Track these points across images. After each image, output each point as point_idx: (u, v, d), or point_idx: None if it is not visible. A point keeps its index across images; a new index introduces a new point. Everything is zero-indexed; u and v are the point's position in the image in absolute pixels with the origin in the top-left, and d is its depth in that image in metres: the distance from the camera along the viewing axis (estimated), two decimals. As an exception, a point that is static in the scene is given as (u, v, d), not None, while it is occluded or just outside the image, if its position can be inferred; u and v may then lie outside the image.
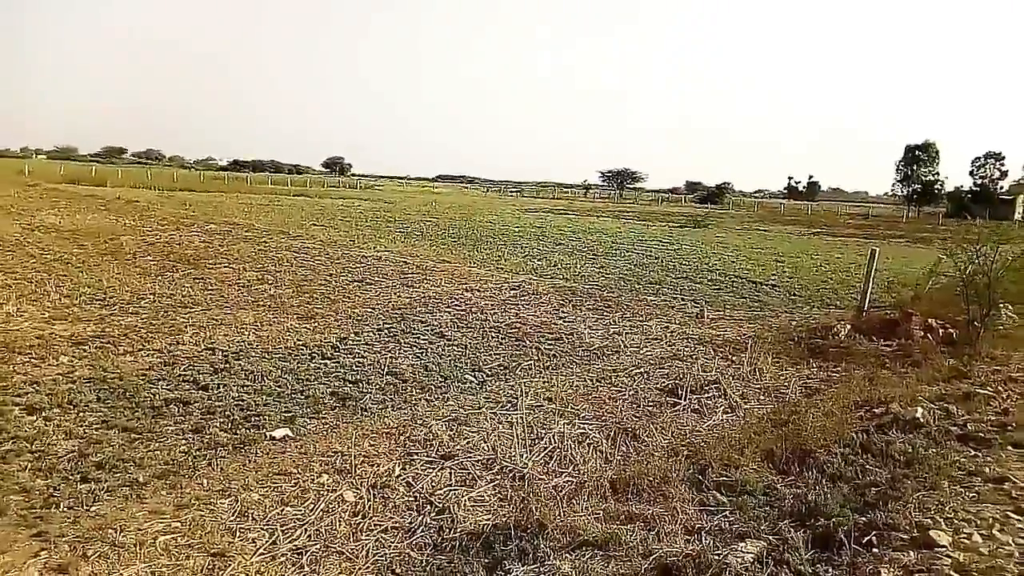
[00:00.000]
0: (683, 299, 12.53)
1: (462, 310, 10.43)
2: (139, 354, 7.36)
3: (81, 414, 5.61)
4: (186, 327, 8.51)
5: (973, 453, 4.79)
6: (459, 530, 4.14)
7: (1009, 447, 4.81)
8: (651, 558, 3.70)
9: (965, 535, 3.51)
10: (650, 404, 6.61)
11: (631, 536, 3.94)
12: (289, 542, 3.89)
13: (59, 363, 6.90)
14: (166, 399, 6.00)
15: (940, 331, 9.09)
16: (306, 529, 4.03)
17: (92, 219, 20.51)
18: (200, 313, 9.33)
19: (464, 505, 4.44)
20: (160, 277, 11.75)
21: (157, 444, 5.12)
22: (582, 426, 5.85)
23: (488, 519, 4.30)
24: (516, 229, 26.77)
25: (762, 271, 17.36)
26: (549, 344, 8.74)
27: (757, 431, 5.68)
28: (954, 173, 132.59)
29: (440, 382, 6.99)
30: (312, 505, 4.29)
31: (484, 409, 6.12)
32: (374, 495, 4.49)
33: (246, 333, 8.40)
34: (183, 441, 5.20)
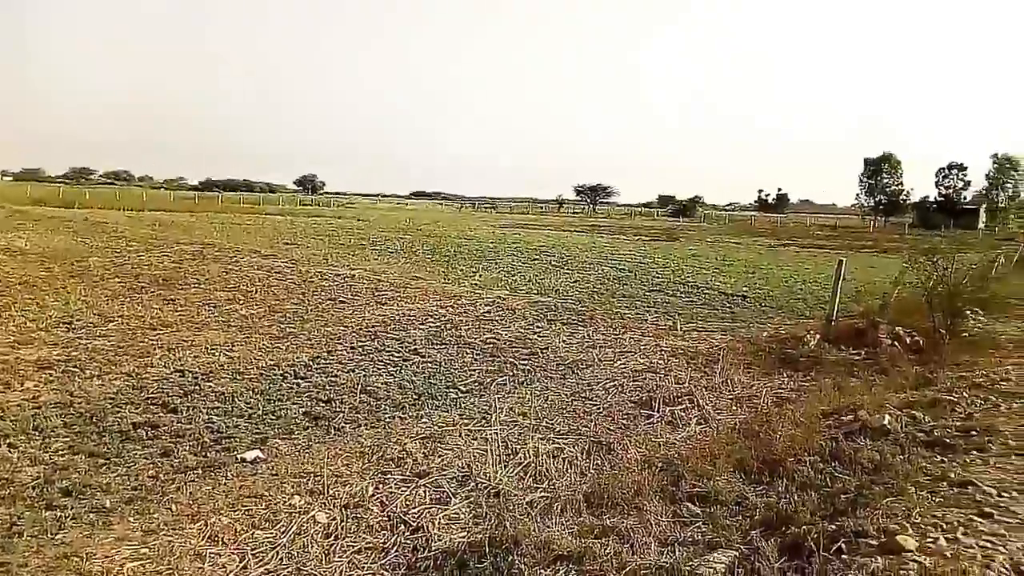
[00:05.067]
0: (656, 312, 12.63)
1: (437, 327, 10.41)
2: (107, 378, 7.23)
3: (47, 440, 5.49)
4: (155, 349, 8.38)
5: (939, 459, 4.88)
6: (433, 548, 4.11)
7: (973, 452, 4.90)
8: (625, 571, 3.71)
9: (931, 539, 3.56)
10: (624, 417, 6.64)
11: (605, 549, 3.95)
12: (260, 566, 3.84)
13: (24, 388, 6.74)
14: (134, 423, 5.89)
15: (907, 339, 9.27)
16: (277, 552, 3.97)
17: (59, 241, 20.15)
18: (170, 335, 9.19)
19: (438, 523, 4.42)
20: (128, 299, 11.56)
21: (125, 469, 5.02)
22: (557, 441, 5.86)
23: (463, 536, 4.28)
24: (490, 245, 26.83)
25: (734, 283, 17.57)
26: (524, 359, 8.75)
27: (729, 441, 5.74)
28: (920, 183, 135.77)
29: (414, 399, 6.96)
30: (283, 528, 4.24)
31: (459, 426, 6.11)
32: (347, 515, 4.44)
33: (217, 354, 8.29)
34: (151, 465, 5.11)
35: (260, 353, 8.45)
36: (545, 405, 6.79)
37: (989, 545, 3.43)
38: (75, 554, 3.83)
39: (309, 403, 6.65)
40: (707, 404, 6.96)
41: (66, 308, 10.50)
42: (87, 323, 9.63)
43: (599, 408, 6.84)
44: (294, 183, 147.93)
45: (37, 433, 5.61)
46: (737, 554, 3.76)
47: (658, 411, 6.72)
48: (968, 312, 9.47)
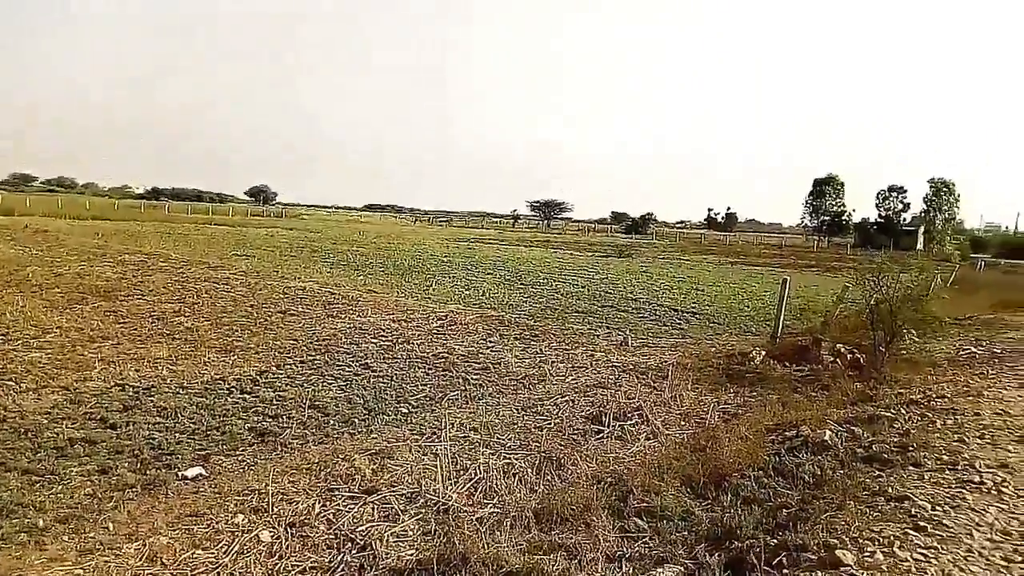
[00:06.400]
0: (608, 327, 12.77)
1: (388, 341, 10.33)
2: (43, 392, 6.98)
3: (-24, 457, 5.28)
4: (95, 362, 8.12)
5: (877, 473, 5.03)
6: (381, 567, 4.06)
7: (910, 467, 5.07)
8: (573, 587, 3.73)
9: (868, 553, 3.66)
10: (575, 432, 6.67)
11: (553, 566, 3.95)
12: (201, 587, 3.74)
13: (-48, 403, 6.46)
14: (71, 439, 5.71)
15: (848, 356, 9.55)
16: (219, 573, 3.87)
17: (-6, 249, 19.38)
18: (110, 347, 8.91)
19: (387, 541, 4.36)
20: (68, 310, 11.18)
21: (60, 487, 4.88)
22: (507, 456, 5.86)
23: (411, 554, 4.23)
24: (444, 259, 26.79)
25: (683, 299, 17.89)
26: (476, 374, 8.74)
27: (677, 456, 5.81)
28: (861, 205, 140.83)
29: (364, 415, 6.88)
30: (226, 547, 4.13)
31: (409, 441, 6.05)
32: (292, 534, 4.35)
33: (159, 368, 8.07)
34: (88, 483, 4.96)
35: (205, 367, 8.26)
36: (496, 420, 6.78)
37: (922, 558, 3.55)
38: (4, 576, 3.68)
39: (255, 419, 6.53)
40: (656, 419, 7.05)
41: (1, 319, 10.10)
42: (24, 335, 9.28)
43: (550, 423, 6.86)
44: (246, 193, 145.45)
45: (-34, 450, 5.39)
46: (683, 569, 3.81)
47: (608, 426, 6.78)
48: (906, 330, 9.81)
